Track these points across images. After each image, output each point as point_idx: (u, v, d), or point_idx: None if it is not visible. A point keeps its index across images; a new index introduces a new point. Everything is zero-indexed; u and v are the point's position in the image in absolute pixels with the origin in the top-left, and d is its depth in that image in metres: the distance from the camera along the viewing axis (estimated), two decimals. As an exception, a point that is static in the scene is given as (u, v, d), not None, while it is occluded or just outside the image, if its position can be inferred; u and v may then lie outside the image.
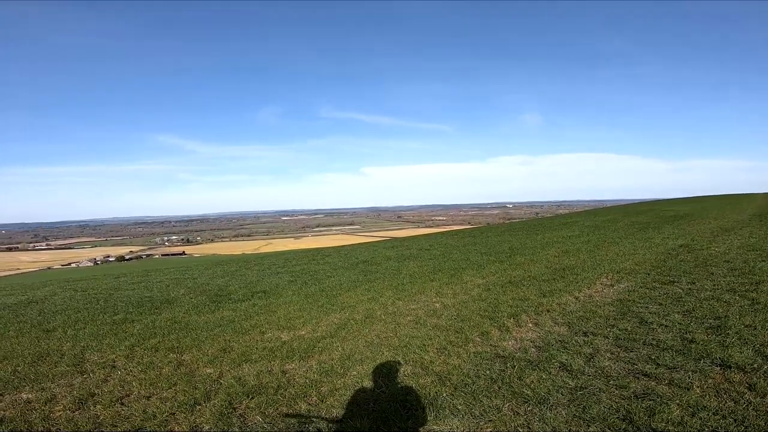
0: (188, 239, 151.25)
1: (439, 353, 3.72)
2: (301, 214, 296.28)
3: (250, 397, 3.08)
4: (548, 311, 4.72)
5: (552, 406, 2.69)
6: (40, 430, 2.69)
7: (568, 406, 2.68)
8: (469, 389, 3.00)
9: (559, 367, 3.26)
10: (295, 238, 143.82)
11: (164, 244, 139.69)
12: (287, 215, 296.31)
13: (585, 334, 3.95)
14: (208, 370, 3.66)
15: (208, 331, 4.89)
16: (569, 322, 4.31)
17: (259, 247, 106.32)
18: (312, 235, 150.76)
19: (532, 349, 3.68)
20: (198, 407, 2.94)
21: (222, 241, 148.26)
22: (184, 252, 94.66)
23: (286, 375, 3.50)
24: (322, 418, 2.77)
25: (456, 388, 3.03)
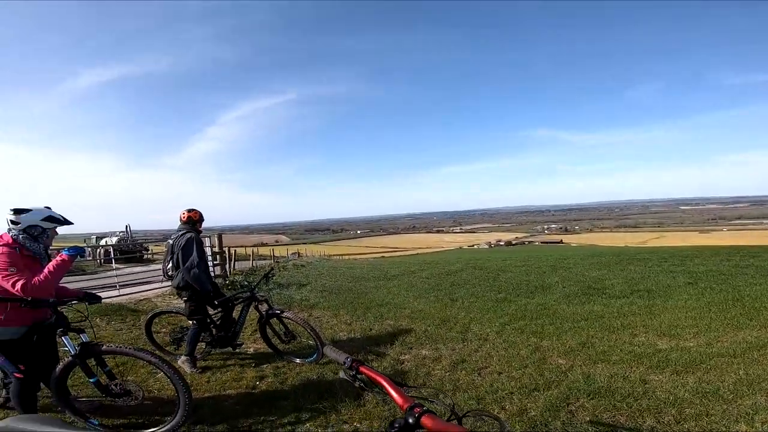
0: (566, 228, 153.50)
1: None
2: (712, 203, 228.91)
3: (590, 396, 2.88)
4: None
5: None
6: (419, 382, 3.40)
7: None
8: None
9: None
10: (701, 231, 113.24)
11: (544, 231, 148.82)
12: (687, 204, 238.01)
13: None
14: (560, 361, 3.72)
15: (573, 323, 4.96)
16: None
17: (647, 240, 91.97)
18: (728, 229, 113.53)
19: None
20: (535, 393, 3.03)
21: (602, 231, 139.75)
22: (561, 240, 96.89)
23: (645, 385, 3.05)
24: None
25: None
